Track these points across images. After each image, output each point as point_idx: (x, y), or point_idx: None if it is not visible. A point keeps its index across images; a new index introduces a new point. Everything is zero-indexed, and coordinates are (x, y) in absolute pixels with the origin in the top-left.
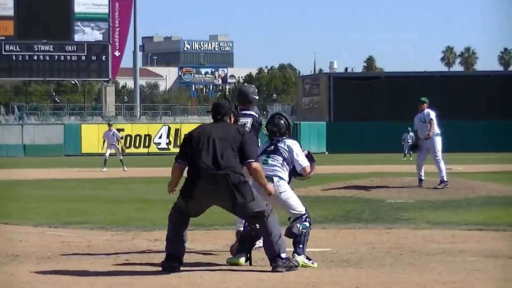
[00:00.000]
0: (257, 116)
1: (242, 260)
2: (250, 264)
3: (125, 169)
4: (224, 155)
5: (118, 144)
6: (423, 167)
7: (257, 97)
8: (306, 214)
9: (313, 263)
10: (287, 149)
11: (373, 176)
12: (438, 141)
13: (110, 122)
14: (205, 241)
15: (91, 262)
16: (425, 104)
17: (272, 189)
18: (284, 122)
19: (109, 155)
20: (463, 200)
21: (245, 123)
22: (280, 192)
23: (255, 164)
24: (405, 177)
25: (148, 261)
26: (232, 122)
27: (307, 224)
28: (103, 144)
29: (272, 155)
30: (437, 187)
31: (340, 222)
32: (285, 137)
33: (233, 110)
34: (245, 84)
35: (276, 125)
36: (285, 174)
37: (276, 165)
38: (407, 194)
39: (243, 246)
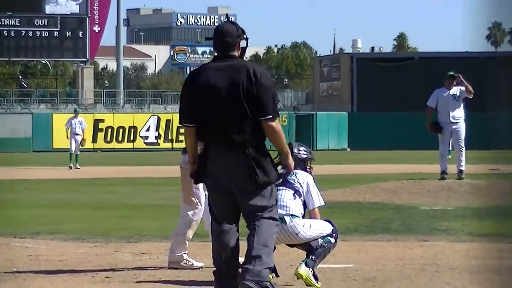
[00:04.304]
0: None
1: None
2: (277, 276)
3: (78, 166)
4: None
5: (82, 135)
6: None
7: None
8: (335, 230)
9: (317, 283)
10: (299, 182)
11: (404, 177)
12: (464, 126)
13: (77, 109)
14: (202, 255)
15: (64, 280)
16: (455, 81)
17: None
18: (304, 150)
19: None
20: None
21: None
22: (297, 233)
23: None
24: (442, 180)
25: (133, 278)
26: (239, 54)
27: (332, 239)
28: (67, 134)
29: (280, 187)
30: (462, 176)
31: (365, 233)
32: (297, 168)
33: (242, 37)
34: None
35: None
36: (298, 209)
37: (286, 200)
38: (445, 199)
39: None
